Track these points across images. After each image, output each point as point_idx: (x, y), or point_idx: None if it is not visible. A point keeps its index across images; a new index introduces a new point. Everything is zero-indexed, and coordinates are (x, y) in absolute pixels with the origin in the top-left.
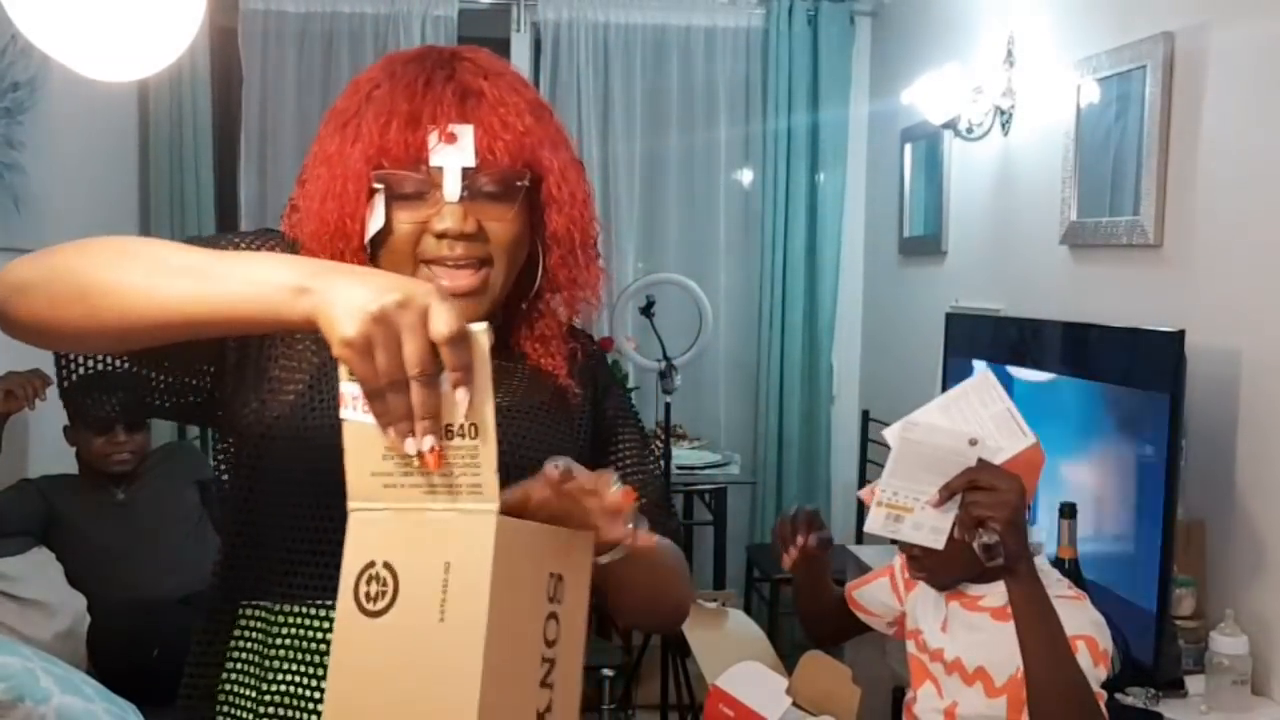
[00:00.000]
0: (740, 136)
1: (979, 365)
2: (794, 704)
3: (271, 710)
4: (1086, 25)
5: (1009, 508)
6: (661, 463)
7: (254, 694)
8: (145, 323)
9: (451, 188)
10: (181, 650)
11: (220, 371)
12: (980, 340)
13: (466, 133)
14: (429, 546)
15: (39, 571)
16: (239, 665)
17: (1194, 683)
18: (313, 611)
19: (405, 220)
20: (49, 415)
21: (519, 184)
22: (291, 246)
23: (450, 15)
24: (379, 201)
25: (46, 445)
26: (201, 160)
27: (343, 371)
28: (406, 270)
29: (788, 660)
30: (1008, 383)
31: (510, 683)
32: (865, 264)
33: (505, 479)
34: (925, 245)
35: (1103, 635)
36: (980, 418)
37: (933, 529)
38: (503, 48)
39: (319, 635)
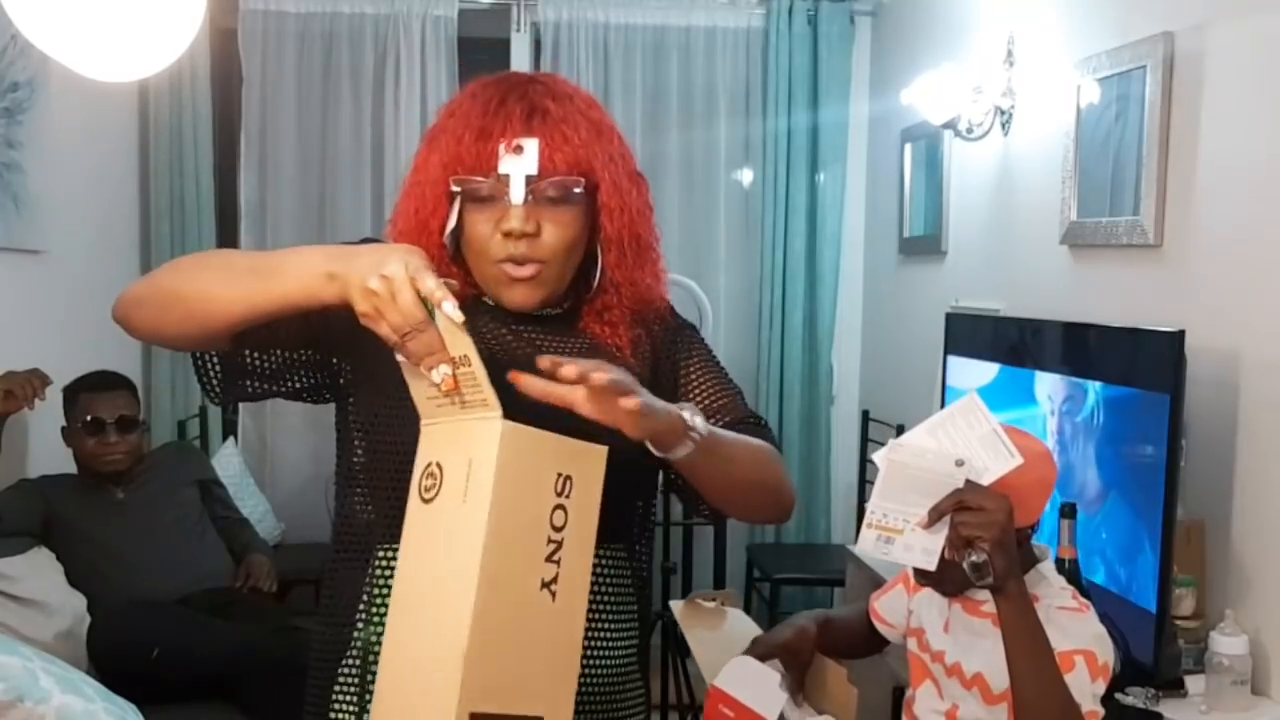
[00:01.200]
0: (740, 136)
1: (979, 365)
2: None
3: None
4: (1086, 25)
5: (996, 527)
6: (736, 386)
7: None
8: (228, 316)
9: (516, 192)
10: (180, 651)
11: (328, 355)
12: (980, 340)
13: (532, 145)
14: (460, 447)
15: (38, 572)
16: (377, 609)
17: (1194, 683)
18: None
19: (480, 221)
20: (48, 415)
21: (576, 190)
22: None
23: (450, 15)
24: (457, 205)
25: (46, 445)
26: (201, 160)
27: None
28: (485, 270)
29: None
30: (1010, 383)
31: (513, 551)
32: (865, 264)
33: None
34: (925, 245)
35: (1103, 648)
36: (967, 439)
37: (924, 550)
38: (503, 47)
39: None
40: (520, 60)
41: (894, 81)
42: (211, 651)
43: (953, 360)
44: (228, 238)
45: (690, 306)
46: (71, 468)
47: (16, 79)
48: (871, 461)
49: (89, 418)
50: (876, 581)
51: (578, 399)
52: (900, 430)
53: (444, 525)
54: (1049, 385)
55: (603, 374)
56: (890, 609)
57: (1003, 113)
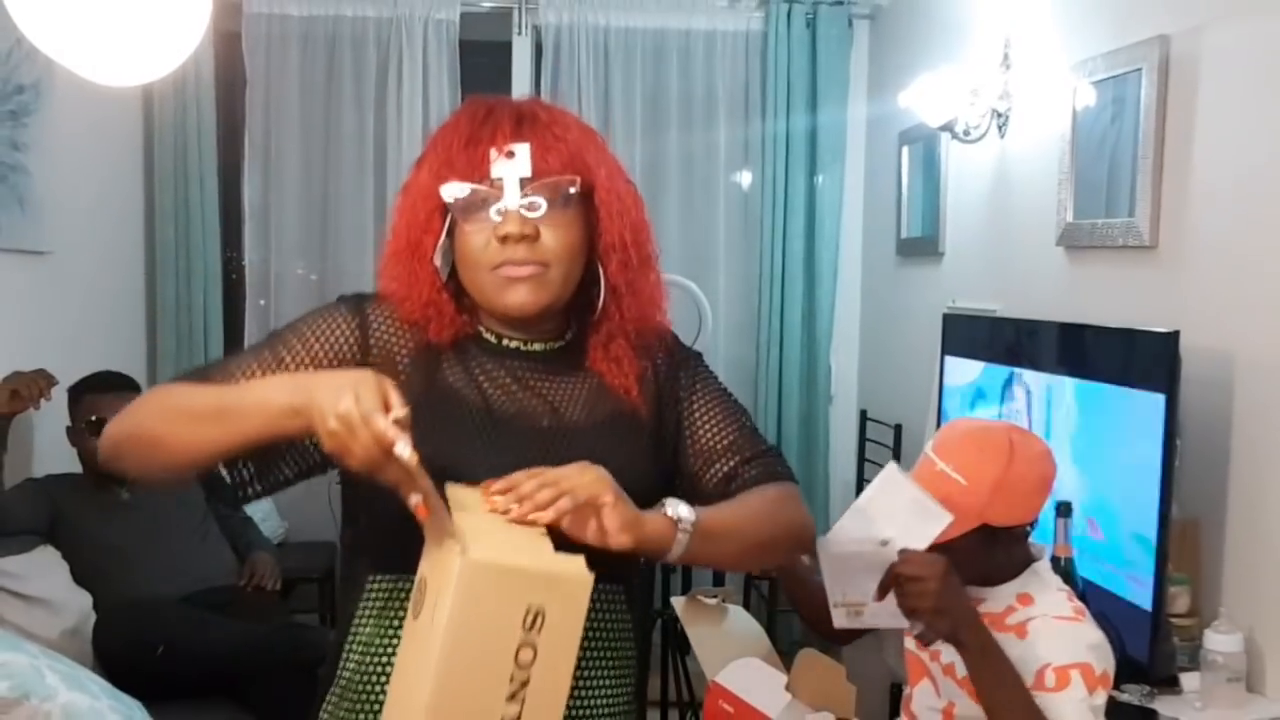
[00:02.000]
0: (739, 139)
1: (976, 365)
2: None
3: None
4: (1082, 28)
5: (930, 596)
6: (744, 410)
7: (375, 660)
8: (208, 456)
9: (511, 195)
10: (185, 648)
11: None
12: (977, 341)
13: (524, 149)
14: (438, 572)
15: (45, 570)
16: (362, 636)
17: (1189, 680)
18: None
19: (474, 232)
20: (54, 415)
21: (571, 190)
22: (363, 310)
23: (452, 19)
24: (447, 221)
25: (51, 445)
26: (205, 164)
27: None
28: (483, 279)
29: (786, 657)
30: (1005, 382)
31: (466, 689)
32: (863, 265)
33: None
34: (922, 246)
35: (1100, 657)
36: (894, 509)
37: (891, 614)
38: (504, 51)
39: None
40: (521, 63)
41: (891, 84)
42: (216, 649)
43: (950, 360)
44: (232, 239)
45: (690, 307)
46: (76, 467)
47: (22, 82)
48: (871, 461)
49: (94, 418)
50: None
51: (552, 521)
52: (899, 430)
53: (419, 645)
54: (1045, 385)
55: (571, 498)
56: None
57: (999, 115)
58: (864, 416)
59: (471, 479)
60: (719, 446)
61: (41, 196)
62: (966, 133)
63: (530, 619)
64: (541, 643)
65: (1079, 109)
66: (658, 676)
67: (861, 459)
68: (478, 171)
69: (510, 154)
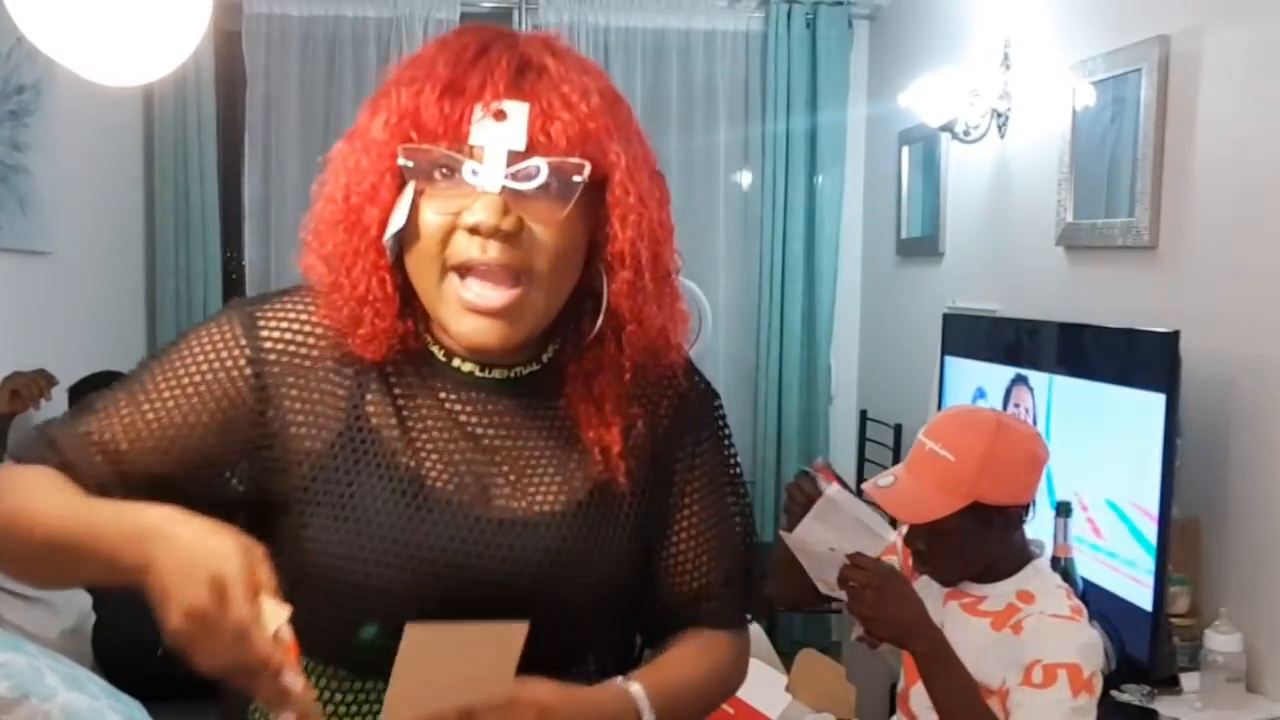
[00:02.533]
0: (739, 139)
1: (976, 364)
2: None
3: None
4: (1082, 28)
5: (867, 604)
6: (747, 514)
7: None
8: (51, 576)
9: (492, 173)
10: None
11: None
12: (977, 341)
13: (519, 111)
14: None
15: None
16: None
17: (1189, 680)
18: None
19: (434, 211)
20: (54, 415)
21: (576, 179)
22: (250, 320)
23: (452, 19)
24: (408, 192)
25: None
26: (206, 163)
27: None
28: (432, 278)
29: (786, 657)
30: (1007, 382)
31: None
32: (863, 265)
33: (543, 598)
34: (922, 246)
35: (1090, 658)
36: (841, 528)
37: None
38: None
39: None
40: None
41: (892, 84)
42: None
43: (950, 360)
44: (232, 238)
45: (690, 307)
46: None
47: (22, 82)
48: (871, 461)
49: None
50: None
51: None
52: (898, 430)
53: None
54: (1045, 385)
55: None
56: None
57: (999, 115)
58: (864, 417)
59: (379, 592)
60: (698, 564)
61: (42, 196)
62: (966, 133)
63: None
64: None
65: (1079, 109)
66: None
67: (861, 459)
68: (453, 133)
69: (500, 115)
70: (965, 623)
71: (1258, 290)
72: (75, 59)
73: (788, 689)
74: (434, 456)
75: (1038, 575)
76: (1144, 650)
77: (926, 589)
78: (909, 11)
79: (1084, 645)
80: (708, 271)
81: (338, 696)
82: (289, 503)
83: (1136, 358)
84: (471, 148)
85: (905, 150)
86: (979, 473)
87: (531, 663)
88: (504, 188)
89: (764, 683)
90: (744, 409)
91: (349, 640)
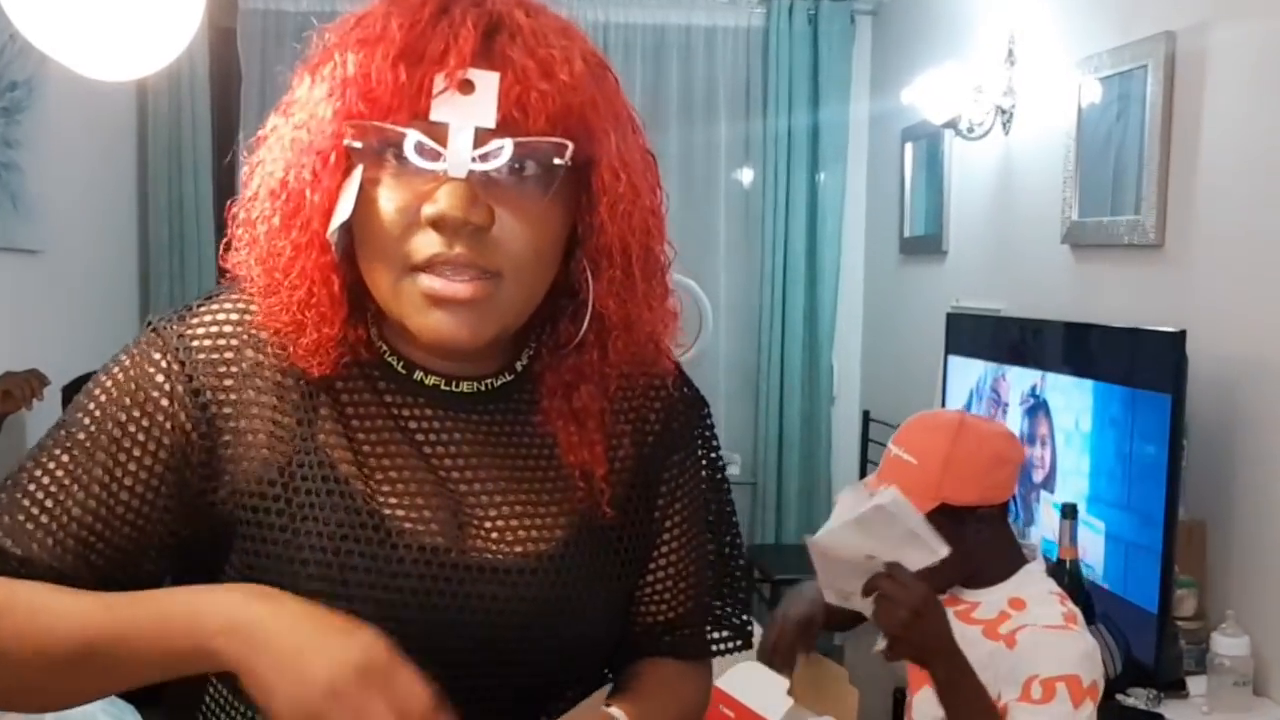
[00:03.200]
0: (740, 136)
1: (979, 364)
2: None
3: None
4: (1088, 24)
5: (899, 623)
6: (733, 527)
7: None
8: (75, 703)
9: (458, 155)
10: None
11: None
12: (981, 340)
13: (488, 81)
14: None
15: None
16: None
17: (1195, 683)
18: None
19: (389, 200)
20: (46, 415)
21: (557, 162)
22: (175, 343)
23: None
24: (355, 177)
25: None
26: (200, 160)
27: None
28: (389, 277)
29: None
30: (1010, 382)
31: None
32: (866, 264)
33: (526, 646)
34: (926, 245)
35: (1089, 668)
36: (888, 535)
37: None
38: None
39: None
40: None
41: (895, 81)
42: None
43: (953, 360)
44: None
45: (690, 307)
46: None
47: (15, 78)
48: (874, 462)
49: None
50: None
51: None
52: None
53: None
54: (1050, 385)
55: None
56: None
57: (1004, 112)
58: (866, 417)
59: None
60: (675, 593)
61: (35, 194)
62: (970, 130)
63: None
64: None
65: (1084, 106)
66: None
67: (864, 460)
68: (410, 107)
69: (466, 85)
70: (960, 631)
71: (1265, 289)
72: (68, 54)
73: (790, 693)
74: (398, 490)
75: (1030, 581)
76: (1150, 654)
77: None
78: (912, 7)
79: (1081, 654)
80: (708, 270)
81: None
82: (231, 547)
83: (1142, 358)
84: (433, 125)
85: (908, 147)
86: (942, 474)
87: (507, 701)
88: (472, 173)
89: (765, 685)
90: (745, 409)
91: None
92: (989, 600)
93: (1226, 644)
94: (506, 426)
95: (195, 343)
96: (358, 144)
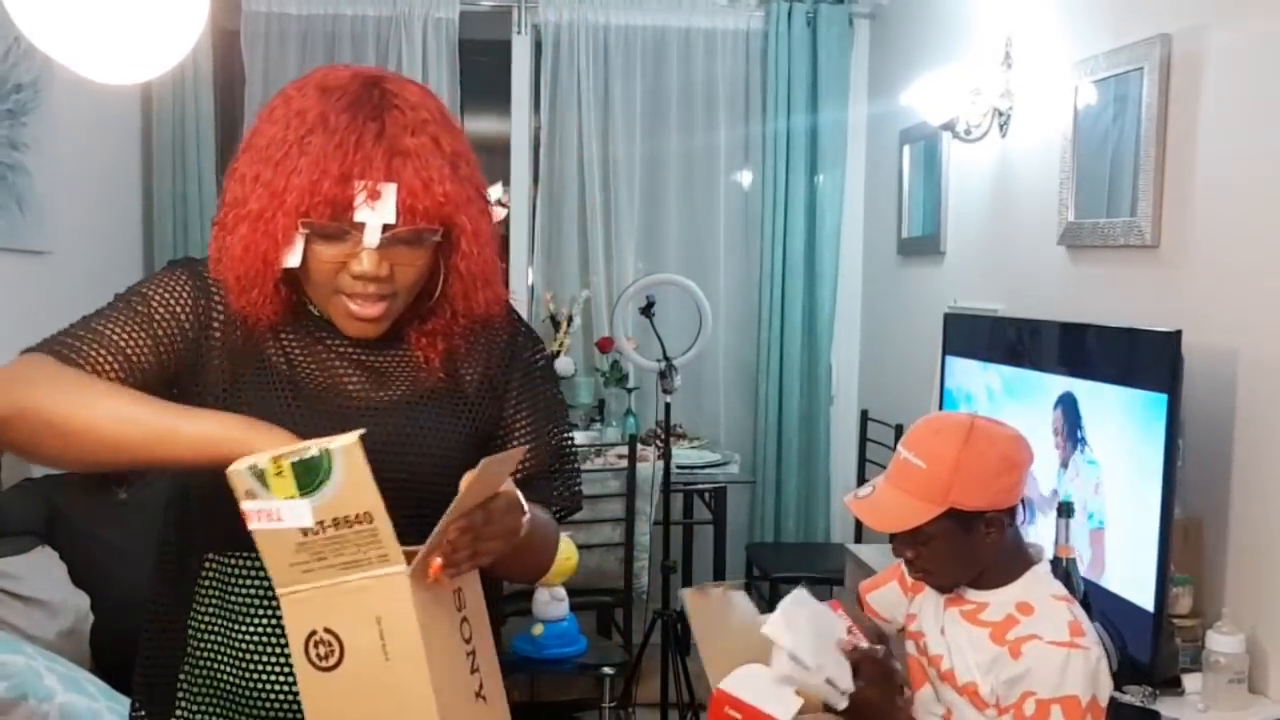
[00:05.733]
0: (740, 138)
1: (977, 365)
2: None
3: (242, 653)
4: (1084, 27)
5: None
6: (564, 429)
7: (223, 639)
8: (111, 463)
9: (371, 238)
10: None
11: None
12: (978, 340)
13: (390, 191)
14: (358, 608)
15: (42, 571)
16: (205, 615)
17: (1191, 681)
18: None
19: (326, 258)
20: None
21: (432, 238)
22: (199, 275)
23: (451, 18)
24: (299, 241)
25: None
26: (204, 162)
27: (239, 493)
28: (328, 296)
29: None
30: (1009, 383)
31: (452, 686)
32: (864, 264)
33: (395, 465)
34: (924, 246)
35: (1088, 687)
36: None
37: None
38: (503, 50)
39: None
40: (521, 62)
41: (892, 83)
42: None
43: (951, 360)
44: None
45: (690, 306)
46: None
47: (20, 81)
48: (872, 461)
49: None
50: None
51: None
52: (899, 430)
53: (367, 690)
54: (1047, 385)
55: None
56: (883, 603)
57: (1001, 114)
58: (865, 416)
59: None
60: (526, 455)
61: (40, 196)
62: (968, 131)
63: (458, 598)
64: (470, 614)
65: (1080, 108)
66: (657, 677)
67: (862, 459)
68: (343, 210)
69: (376, 194)
70: (967, 631)
71: (1260, 289)
72: (73, 57)
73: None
74: (311, 368)
75: (1038, 583)
76: (1146, 651)
77: (928, 594)
78: (910, 10)
79: (1083, 673)
80: (708, 271)
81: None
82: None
83: (1138, 357)
84: (354, 220)
85: (906, 149)
86: (951, 478)
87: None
88: (379, 243)
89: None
90: (744, 409)
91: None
92: (996, 602)
93: (1222, 641)
94: (385, 344)
95: (201, 272)
96: (309, 229)
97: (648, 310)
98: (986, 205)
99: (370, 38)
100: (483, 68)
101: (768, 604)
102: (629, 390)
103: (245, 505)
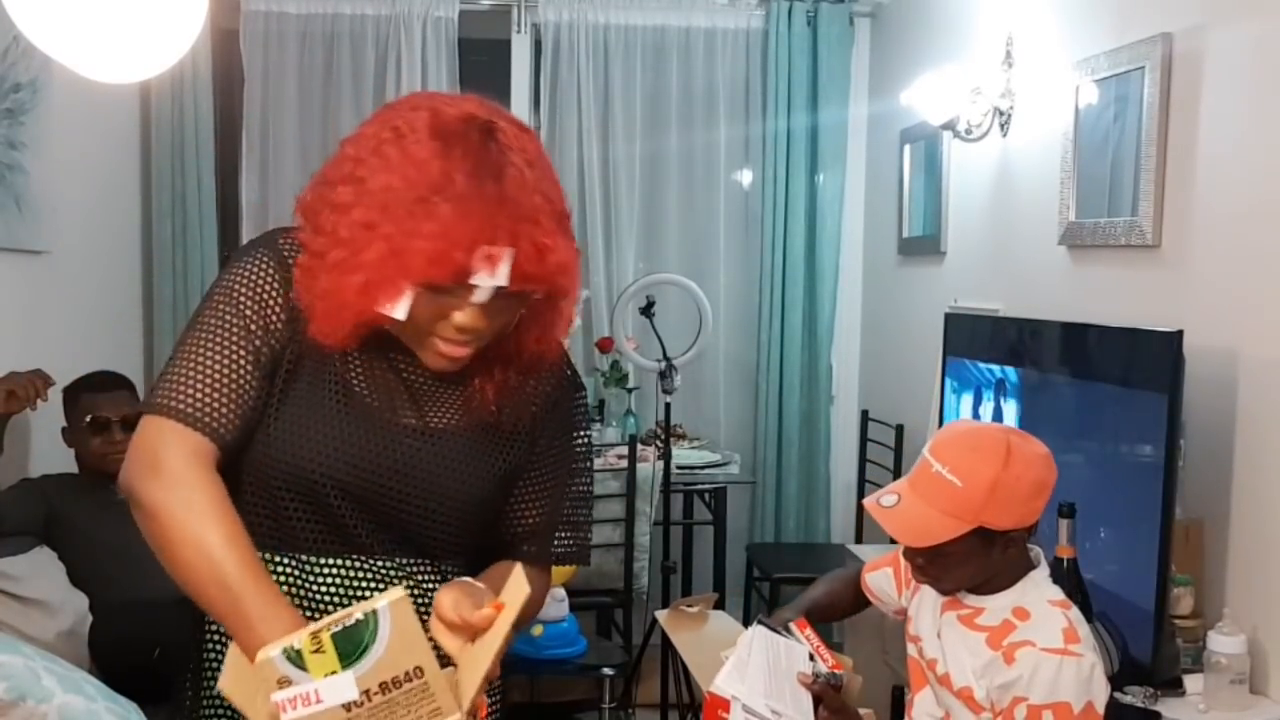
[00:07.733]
0: (740, 137)
1: (978, 365)
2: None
3: None
4: (1085, 26)
5: None
6: (584, 480)
7: None
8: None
9: (481, 296)
10: (183, 650)
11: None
12: (979, 341)
13: (508, 256)
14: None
15: (41, 571)
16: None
17: (1192, 682)
18: (314, 560)
19: (430, 309)
20: (50, 416)
21: (534, 297)
22: (284, 263)
23: (451, 17)
24: (409, 296)
25: (48, 445)
26: (203, 161)
27: (270, 684)
28: (420, 335)
29: None
30: (1009, 383)
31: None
32: (864, 264)
33: (428, 493)
34: (924, 246)
35: (1081, 694)
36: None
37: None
38: (503, 49)
39: (316, 581)
40: (520, 61)
41: (893, 82)
42: None
43: (952, 360)
44: (229, 238)
45: (690, 307)
46: (73, 467)
47: (19, 80)
48: (873, 462)
49: (90, 418)
50: None
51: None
52: (900, 430)
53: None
54: (1047, 385)
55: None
56: (878, 586)
57: (1001, 114)
58: (865, 417)
59: (325, 464)
60: (534, 509)
61: (38, 195)
62: (968, 131)
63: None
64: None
65: (1081, 107)
66: (657, 678)
67: (863, 460)
68: (463, 276)
69: (495, 260)
70: (963, 635)
71: (1261, 289)
72: (72, 56)
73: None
74: (365, 381)
75: (1035, 589)
76: (1147, 652)
77: (926, 596)
78: (910, 9)
79: (1076, 680)
80: (708, 270)
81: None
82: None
83: (1139, 358)
84: (470, 282)
85: (907, 149)
86: (986, 500)
87: (411, 552)
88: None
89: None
90: (744, 409)
91: (292, 524)
92: (993, 607)
93: (1223, 642)
94: (446, 374)
95: (286, 258)
96: (427, 288)
97: (648, 310)
98: (987, 205)
99: (370, 37)
100: (482, 67)
101: (768, 606)
102: (629, 390)
103: (276, 697)
